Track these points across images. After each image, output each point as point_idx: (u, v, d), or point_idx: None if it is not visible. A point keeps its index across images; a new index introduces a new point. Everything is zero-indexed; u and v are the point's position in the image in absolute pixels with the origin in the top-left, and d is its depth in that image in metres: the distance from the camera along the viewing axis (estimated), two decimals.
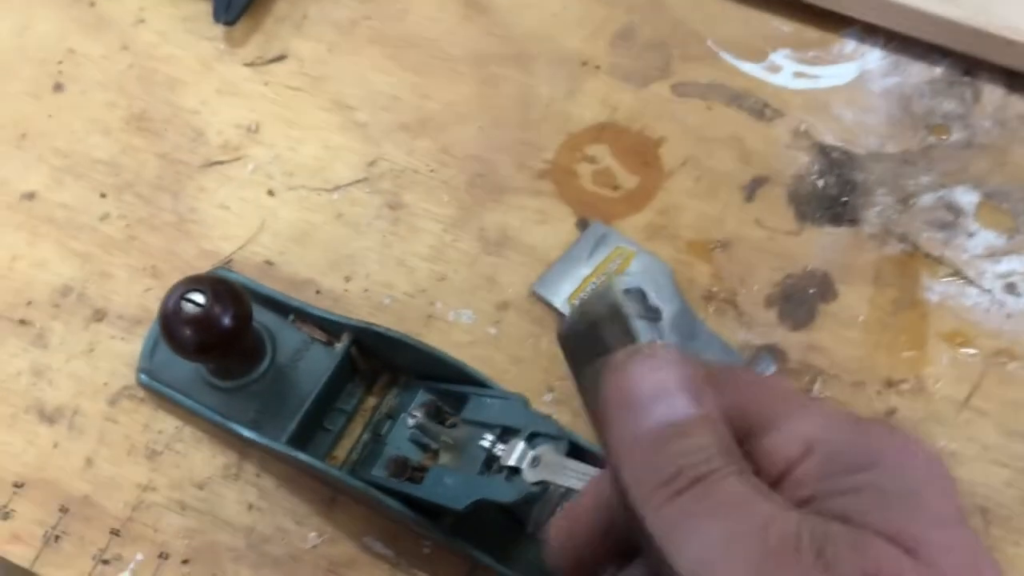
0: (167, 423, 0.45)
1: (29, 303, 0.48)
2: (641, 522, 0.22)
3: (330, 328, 0.45)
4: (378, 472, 0.43)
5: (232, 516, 0.43)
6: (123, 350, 0.47)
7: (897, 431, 0.23)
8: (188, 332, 0.41)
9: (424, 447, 0.43)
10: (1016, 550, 0.42)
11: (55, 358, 0.47)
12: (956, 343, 0.45)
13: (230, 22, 0.54)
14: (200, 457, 0.45)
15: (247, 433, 0.43)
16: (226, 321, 0.41)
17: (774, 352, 0.46)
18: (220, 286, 0.42)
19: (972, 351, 0.45)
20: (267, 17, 0.55)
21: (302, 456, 0.42)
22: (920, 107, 0.51)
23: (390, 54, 0.54)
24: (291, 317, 0.46)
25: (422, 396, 0.44)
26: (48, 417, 0.46)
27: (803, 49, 0.53)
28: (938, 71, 0.52)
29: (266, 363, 0.45)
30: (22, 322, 0.47)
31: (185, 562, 0.43)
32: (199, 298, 0.41)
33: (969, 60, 0.52)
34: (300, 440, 0.43)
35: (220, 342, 0.41)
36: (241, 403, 0.45)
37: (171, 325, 0.41)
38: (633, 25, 0.54)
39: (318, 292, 0.48)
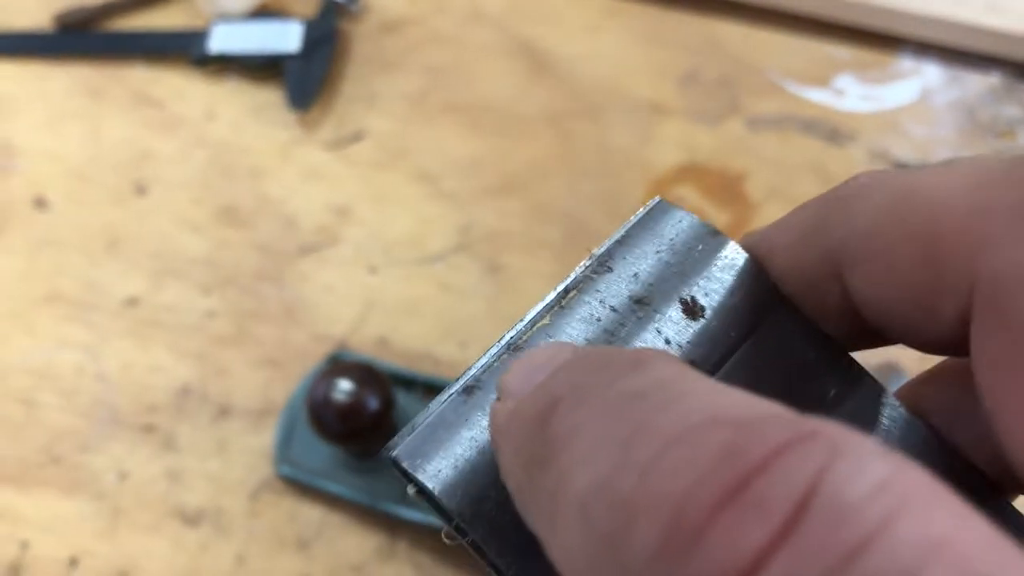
0: (312, 511, 0.45)
1: (151, 409, 0.48)
2: None
3: None
4: None
5: None
6: (254, 444, 0.47)
7: None
8: (339, 420, 0.41)
9: None
10: None
11: (188, 460, 0.47)
12: None
13: (305, 109, 0.54)
14: (352, 541, 0.45)
15: (405, 512, 0.43)
16: (373, 405, 0.42)
17: (895, 368, 0.47)
18: (363, 371, 0.42)
19: None
20: (338, 99, 0.56)
21: None
22: (984, 115, 0.53)
23: (464, 121, 0.55)
24: (419, 391, 0.47)
25: None
26: (191, 520, 0.46)
27: (863, 71, 0.55)
28: (994, 79, 0.54)
29: None
30: (148, 428, 0.47)
31: None
32: (347, 385, 0.41)
33: (1021, 66, 0.54)
34: None
35: (369, 425, 0.42)
36: (385, 481, 0.45)
37: (321, 414, 0.41)
38: (695, 66, 0.56)
39: (436, 362, 0.48)
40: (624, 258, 0.19)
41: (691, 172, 0.53)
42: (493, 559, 0.17)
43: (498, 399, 0.17)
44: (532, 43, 0.57)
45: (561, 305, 0.19)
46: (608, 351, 0.16)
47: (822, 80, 0.55)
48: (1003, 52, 0.54)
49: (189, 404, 0.48)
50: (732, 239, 0.20)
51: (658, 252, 0.19)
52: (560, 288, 0.19)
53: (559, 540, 0.14)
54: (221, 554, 0.45)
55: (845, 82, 0.54)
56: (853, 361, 0.19)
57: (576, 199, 0.52)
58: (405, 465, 0.17)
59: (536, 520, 0.15)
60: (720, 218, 0.51)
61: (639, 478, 0.12)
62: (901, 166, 0.52)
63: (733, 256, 0.19)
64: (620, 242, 0.20)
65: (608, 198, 0.52)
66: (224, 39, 0.56)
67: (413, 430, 0.18)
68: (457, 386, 0.18)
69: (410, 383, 0.47)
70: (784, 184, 0.52)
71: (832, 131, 0.53)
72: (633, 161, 0.53)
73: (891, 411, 0.18)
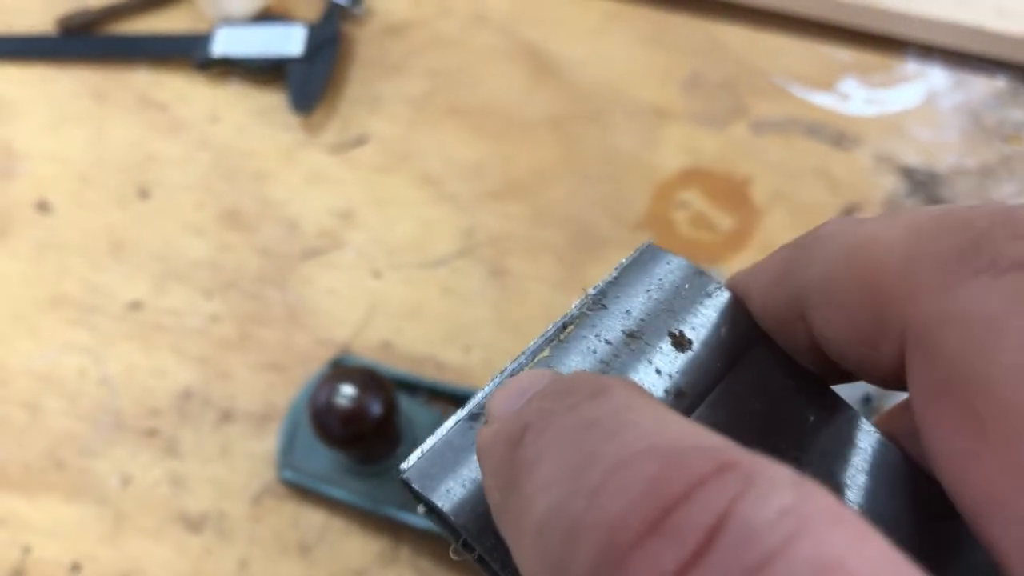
0: (314, 516, 0.45)
1: (154, 413, 0.48)
2: None
3: (464, 401, 0.46)
4: None
5: None
6: (256, 448, 0.47)
7: None
8: (342, 425, 0.41)
9: None
10: None
11: (190, 465, 0.47)
12: None
13: (308, 112, 0.54)
14: (354, 545, 0.45)
15: (407, 517, 0.43)
16: (376, 410, 0.42)
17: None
18: (365, 376, 0.42)
19: None
20: (341, 102, 0.56)
21: None
22: (990, 119, 0.53)
23: (467, 124, 0.55)
24: (423, 396, 0.46)
25: None
26: (194, 525, 0.45)
27: (867, 75, 0.55)
28: (1000, 83, 0.54)
29: (407, 444, 0.45)
30: (151, 433, 0.47)
31: None
32: (350, 390, 0.41)
33: None
34: None
35: (372, 431, 0.42)
36: (387, 486, 0.45)
37: (324, 419, 0.41)
38: (699, 70, 0.56)
39: (440, 367, 0.48)
40: (617, 296, 0.21)
41: (695, 176, 0.53)
42: (499, 571, 0.18)
43: (486, 422, 0.18)
44: (535, 46, 0.57)
45: (560, 339, 0.21)
46: (576, 378, 0.17)
47: (827, 83, 0.55)
48: (1009, 55, 0.54)
49: (192, 408, 0.48)
50: (716, 279, 0.21)
51: (648, 291, 0.21)
52: (558, 323, 0.21)
53: (522, 559, 0.15)
54: (224, 559, 0.45)
55: (850, 86, 0.54)
56: (830, 390, 0.20)
57: (580, 203, 0.52)
58: (416, 486, 0.19)
59: (508, 539, 0.16)
60: (726, 223, 0.51)
61: (585, 503, 0.13)
62: (906, 170, 0.52)
63: (717, 294, 0.21)
64: (613, 282, 0.21)
65: (612, 202, 0.52)
66: (227, 42, 0.56)
67: (423, 453, 0.19)
68: (463, 413, 0.20)
69: (413, 388, 0.47)
70: (789, 188, 0.52)
71: (837, 135, 0.53)
72: (637, 165, 0.53)
73: (866, 435, 0.20)
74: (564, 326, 0.21)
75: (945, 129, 0.53)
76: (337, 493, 0.45)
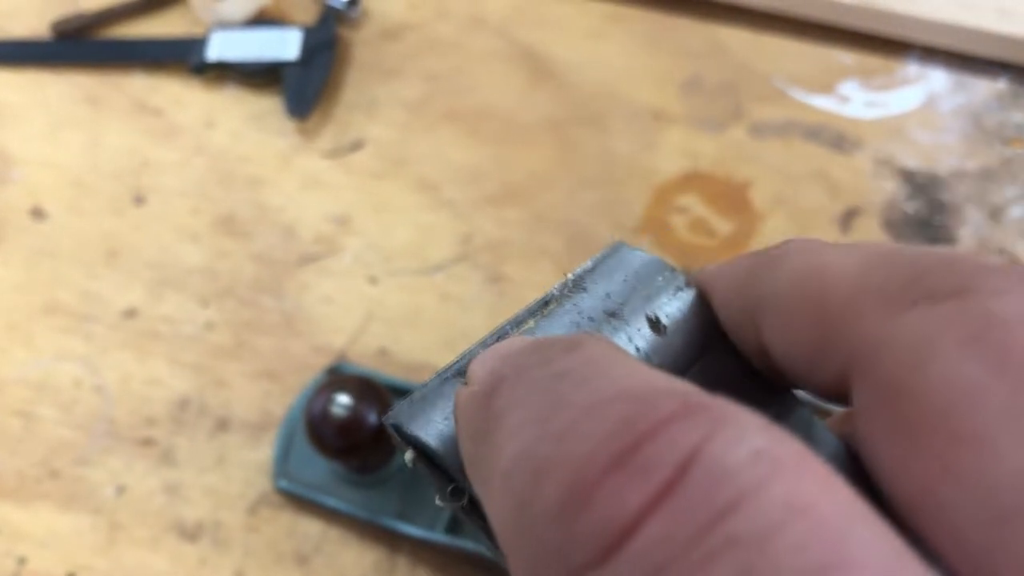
0: (311, 526, 0.45)
1: (149, 422, 0.48)
2: None
3: None
4: None
5: None
6: (252, 457, 0.47)
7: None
8: (337, 435, 0.41)
9: None
10: None
11: (186, 474, 0.46)
12: None
13: (304, 117, 0.54)
14: (351, 556, 0.44)
15: (404, 528, 0.42)
16: (372, 419, 0.41)
17: None
18: (361, 385, 0.42)
19: None
20: (337, 106, 0.55)
21: (466, 544, 0.41)
22: (991, 121, 0.53)
23: (465, 129, 0.55)
24: None
25: None
26: (189, 534, 0.45)
27: (868, 77, 0.54)
28: (1002, 85, 0.54)
29: (402, 453, 0.45)
30: (146, 442, 0.47)
31: None
32: (346, 400, 0.41)
33: None
34: (453, 526, 0.43)
35: (368, 440, 0.41)
36: (384, 496, 0.44)
37: (320, 430, 0.41)
38: (698, 72, 0.55)
39: None
40: (596, 282, 0.22)
41: (695, 180, 0.52)
42: (488, 516, 0.19)
43: (465, 384, 0.19)
44: (533, 49, 0.57)
45: (543, 313, 0.21)
46: (549, 338, 0.18)
47: (827, 86, 0.54)
48: (1011, 57, 0.53)
49: (187, 417, 0.48)
50: (684, 276, 0.23)
51: (625, 279, 0.22)
52: (540, 300, 0.22)
53: (489, 502, 0.15)
54: (219, 569, 0.44)
55: (850, 88, 0.54)
56: (789, 392, 0.22)
57: (578, 208, 0.52)
58: (406, 426, 0.19)
59: (478, 487, 0.16)
60: (725, 227, 0.51)
61: (552, 445, 0.13)
62: (907, 173, 0.51)
63: (686, 289, 0.22)
64: (591, 270, 0.22)
65: (610, 206, 0.52)
66: (223, 46, 0.55)
67: (411, 401, 0.20)
68: (450, 371, 0.20)
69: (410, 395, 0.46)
70: (789, 192, 0.51)
71: (837, 138, 0.53)
72: (636, 169, 0.53)
73: (821, 434, 0.21)
74: (546, 303, 0.22)
75: (946, 132, 0.52)
76: (333, 503, 0.44)
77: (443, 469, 0.19)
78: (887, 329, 0.16)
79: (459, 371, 0.20)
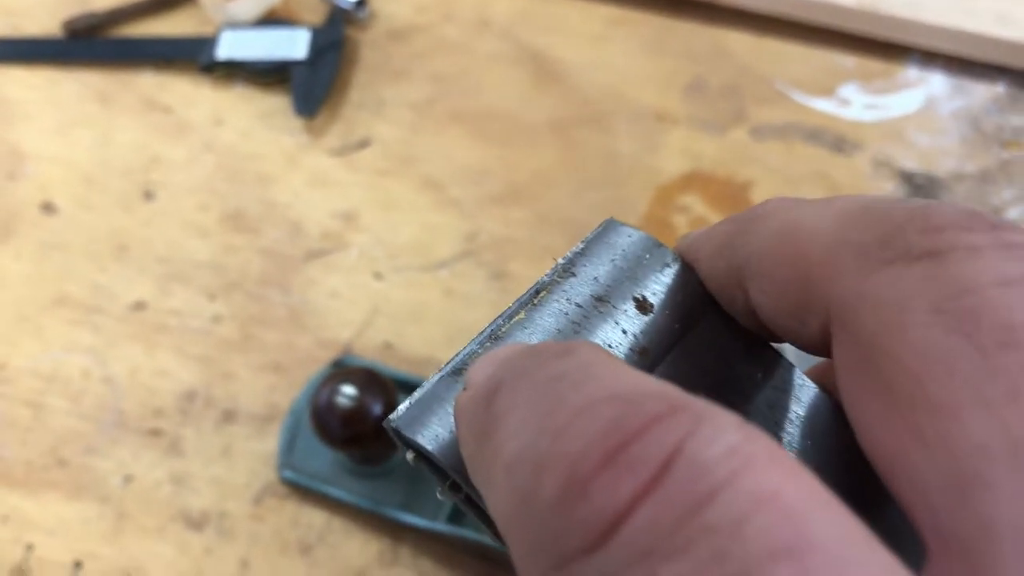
0: (315, 516, 0.46)
1: (157, 413, 0.48)
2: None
3: None
4: None
5: None
6: (258, 448, 0.47)
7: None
8: (342, 425, 0.41)
9: None
10: None
11: (192, 464, 0.47)
12: None
13: (312, 115, 0.55)
14: (354, 546, 0.45)
15: (407, 518, 0.43)
16: (377, 410, 0.42)
17: None
18: (366, 376, 0.42)
19: None
20: (344, 105, 0.56)
21: (468, 533, 0.42)
22: (989, 125, 0.53)
23: (471, 129, 0.55)
24: None
25: None
26: (195, 524, 0.46)
27: (868, 80, 0.55)
28: (1000, 89, 0.54)
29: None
30: (154, 432, 0.48)
31: None
32: (350, 390, 0.41)
33: None
34: (456, 517, 0.44)
35: (372, 431, 0.42)
36: (388, 486, 0.45)
37: (325, 419, 0.42)
38: (701, 75, 0.56)
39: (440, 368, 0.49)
40: (585, 265, 0.23)
41: (696, 180, 0.53)
42: (485, 509, 0.20)
43: (464, 389, 0.20)
44: (539, 52, 0.57)
45: (534, 303, 0.22)
46: (544, 344, 0.19)
47: (828, 89, 0.55)
48: (1010, 62, 0.54)
49: (194, 408, 0.48)
50: (672, 251, 0.23)
51: (613, 260, 0.23)
52: (531, 289, 0.23)
53: (492, 495, 0.16)
54: (225, 558, 0.45)
55: (850, 91, 0.55)
56: (771, 348, 0.23)
57: (581, 207, 0.53)
58: (405, 432, 0.20)
59: (480, 484, 0.17)
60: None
61: (550, 442, 0.15)
62: (906, 175, 0.52)
63: (674, 264, 0.23)
64: (580, 253, 0.23)
65: (613, 206, 0.52)
66: (232, 46, 0.56)
67: (410, 403, 0.21)
68: (447, 369, 0.21)
69: (414, 388, 0.47)
70: (790, 193, 0.52)
71: (837, 140, 0.53)
72: (639, 169, 0.53)
73: (803, 388, 0.22)
74: (537, 292, 0.23)
75: (945, 135, 0.53)
76: (338, 493, 0.45)
77: (442, 471, 0.20)
78: (863, 287, 0.17)
79: (455, 370, 0.21)
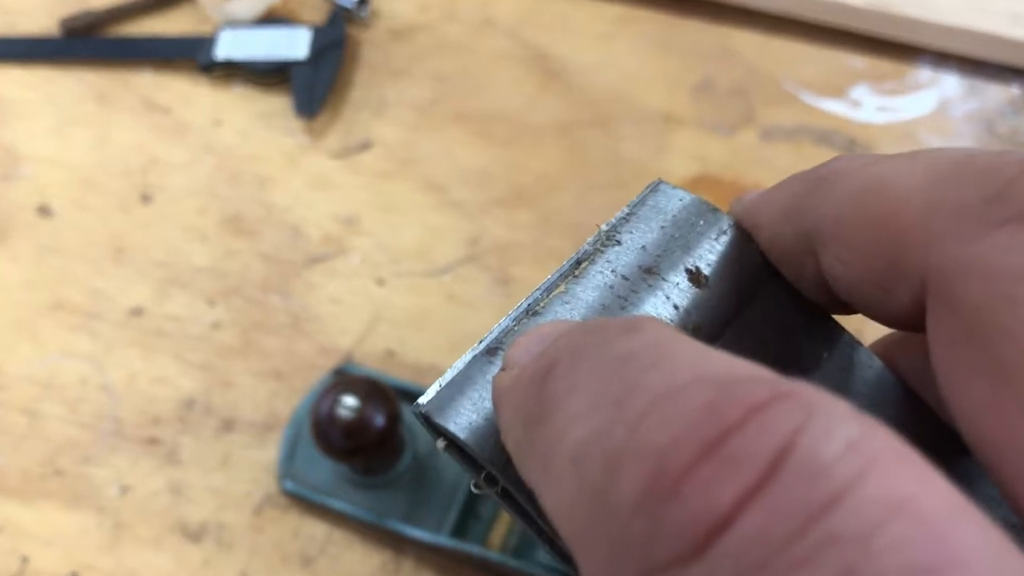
0: (316, 528, 0.45)
1: (155, 421, 0.47)
2: None
3: None
4: (542, 555, 0.42)
5: None
6: (258, 458, 0.46)
7: None
8: (343, 436, 0.41)
9: None
10: None
11: (191, 473, 0.46)
12: None
13: (312, 116, 0.54)
14: (355, 558, 0.44)
15: (411, 531, 0.42)
16: (379, 421, 0.41)
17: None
18: (368, 386, 0.41)
19: None
20: (345, 106, 0.55)
21: (473, 549, 0.41)
22: (1004, 127, 0.52)
23: (474, 130, 0.54)
24: None
25: None
26: (193, 535, 0.45)
27: (879, 82, 0.54)
28: (1015, 90, 0.53)
29: (409, 455, 0.45)
30: (151, 441, 0.47)
31: None
32: (352, 401, 0.40)
33: None
34: (459, 530, 0.43)
35: (374, 442, 0.41)
36: (390, 498, 0.44)
37: (326, 431, 0.41)
38: (709, 76, 0.55)
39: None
40: (631, 232, 0.21)
41: (704, 183, 0.52)
42: (525, 505, 0.18)
43: (503, 369, 0.18)
44: (543, 51, 0.56)
45: (575, 274, 0.20)
46: (603, 320, 0.17)
47: (838, 90, 0.54)
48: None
49: (193, 417, 0.47)
50: (728, 217, 0.21)
51: (662, 227, 0.21)
52: (572, 259, 0.21)
53: (552, 490, 0.14)
54: (224, 570, 0.44)
55: (861, 92, 0.54)
56: (832, 320, 0.21)
57: (587, 210, 0.52)
58: (435, 418, 0.18)
59: (532, 473, 0.15)
60: None
61: (627, 432, 0.13)
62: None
63: (730, 231, 0.21)
64: (626, 219, 0.21)
65: (619, 209, 0.51)
66: (231, 45, 0.55)
67: (440, 387, 0.19)
68: (480, 347, 0.19)
69: (417, 398, 0.46)
70: None
71: (848, 143, 0.52)
72: (645, 171, 0.52)
73: (868, 366, 0.20)
74: (578, 262, 0.20)
75: (958, 137, 0.52)
76: (339, 505, 0.44)
77: (475, 463, 0.18)
78: (968, 253, 0.15)
79: (489, 348, 0.19)
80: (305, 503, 0.45)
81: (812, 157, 0.52)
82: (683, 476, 0.12)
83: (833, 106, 0.53)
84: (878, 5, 0.53)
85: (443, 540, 0.42)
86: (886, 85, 0.54)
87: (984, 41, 0.53)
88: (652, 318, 0.16)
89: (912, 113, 0.53)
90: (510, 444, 0.16)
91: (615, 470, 0.13)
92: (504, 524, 0.44)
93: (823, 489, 0.11)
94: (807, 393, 0.12)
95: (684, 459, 0.12)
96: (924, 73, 0.54)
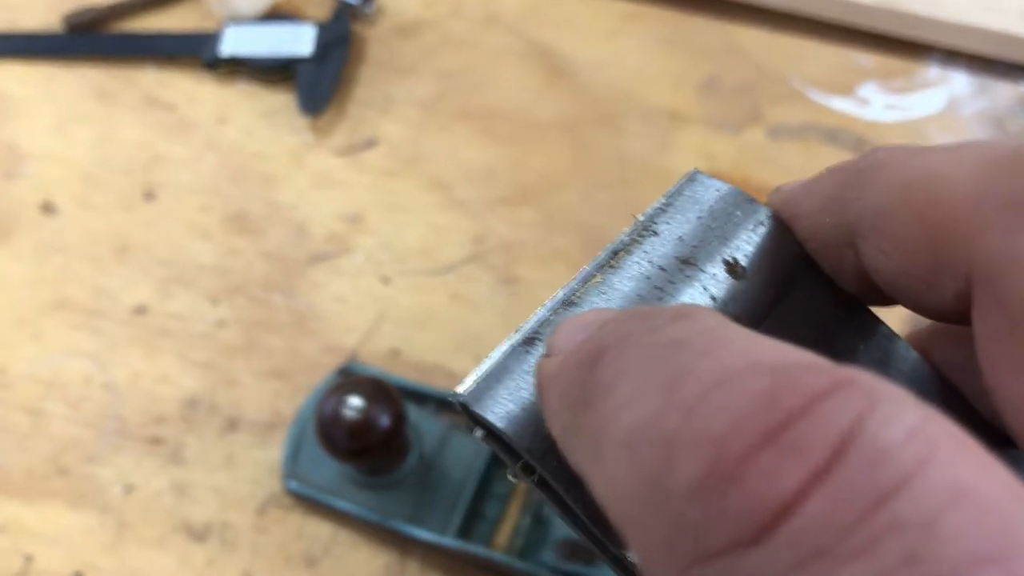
0: (320, 528, 0.45)
1: (159, 420, 0.47)
2: None
3: None
4: (548, 556, 0.42)
5: None
6: (262, 457, 0.46)
7: None
8: (348, 437, 0.40)
9: None
10: None
11: (194, 473, 0.46)
12: None
13: (317, 113, 0.53)
14: (360, 559, 0.44)
15: (415, 532, 0.42)
16: (384, 422, 0.41)
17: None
18: (373, 386, 0.41)
19: None
20: (350, 103, 0.55)
21: (479, 550, 0.41)
22: (1014, 126, 0.52)
23: (479, 128, 0.54)
24: (432, 406, 0.46)
25: None
26: (197, 534, 0.45)
27: (888, 80, 0.53)
28: None
29: (415, 455, 0.44)
30: (155, 440, 0.47)
31: None
32: (357, 402, 0.40)
33: None
34: (465, 531, 0.42)
35: (380, 443, 0.41)
36: (395, 499, 0.44)
37: (330, 432, 0.40)
38: (716, 73, 0.54)
39: (449, 376, 0.47)
40: (668, 223, 0.21)
41: None
42: (563, 494, 0.18)
43: (546, 355, 0.18)
44: (548, 48, 0.56)
45: (611, 265, 0.20)
46: (650, 307, 0.17)
47: (847, 88, 0.53)
48: None
49: (197, 416, 0.47)
50: (766, 208, 0.21)
51: (699, 217, 0.20)
52: (609, 249, 0.21)
53: (604, 475, 0.14)
54: (227, 570, 0.44)
55: (870, 90, 0.53)
56: (869, 312, 0.21)
57: (592, 209, 0.51)
58: (474, 408, 0.18)
59: (580, 458, 0.15)
60: None
61: (683, 417, 0.13)
62: None
63: (768, 222, 0.20)
64: (662, 209, 0.21)
65: (625, 208, 0.51)
66: (236, 42, 0.55)
67: (479, 376, 0.19)
68: (517, 337, 0.19)
69: (422, 397, 0.46)
70: None
71: (856, 141, 0.52)
72: (651, 170, 0.52)
73: (905, 358, 0.20)
74: (615, 252, 0.21)
75: (967, 136, 0.51)
76: (343, 505, 0.44)
77: (512, 452, 0.18)
78: (1017, 246, 0.15)
79: (527, 339, 0.19)
80: (309, 503, 0.45)
81: (820, 155, 0.52)
82: (744, 462, 0.12)
83: (841, 104, 0.53)
84: (887, 2, 0.52)
85: (448, 541, 0.41)
86: (895, 83, 0.53)
87: (993, 39, 0.52)
88: (700, 307, 0.16)
89: (921, 111, 0.52)
90: (556, 429, 0.16)
91: (670, 456, 0.13)
92: (510, 525, 0.44)
93: (887, 476, 0.11)
94: (868, 380, 0.12)
95: (744, 445, 0.12)
96: (933, 71, 0.54)
